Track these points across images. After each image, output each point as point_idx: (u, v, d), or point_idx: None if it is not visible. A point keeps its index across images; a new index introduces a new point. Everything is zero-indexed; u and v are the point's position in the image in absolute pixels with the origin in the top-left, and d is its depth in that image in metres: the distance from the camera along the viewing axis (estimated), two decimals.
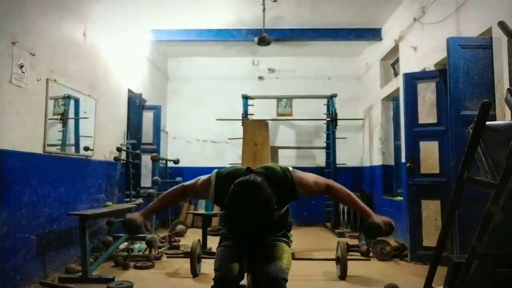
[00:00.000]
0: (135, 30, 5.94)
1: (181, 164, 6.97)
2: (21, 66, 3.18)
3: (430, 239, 4.12)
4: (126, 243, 4.69)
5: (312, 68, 7.88)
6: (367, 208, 1.88)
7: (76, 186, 4.07)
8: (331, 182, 1.92)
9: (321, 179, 1.92)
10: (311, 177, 1.91)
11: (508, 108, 2.18)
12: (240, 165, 4.42)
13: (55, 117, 3.81)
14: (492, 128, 1.73)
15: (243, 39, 6.39)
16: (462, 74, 3.52)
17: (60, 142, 3.92)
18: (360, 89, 7.78)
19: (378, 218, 1.82)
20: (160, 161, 6.12)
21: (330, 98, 7.10)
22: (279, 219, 1.99)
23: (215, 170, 1.94)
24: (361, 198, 6.72)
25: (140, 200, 5.00)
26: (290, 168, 1.90)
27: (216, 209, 5.29)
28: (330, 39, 6.56)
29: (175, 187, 2.02)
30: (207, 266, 3.77)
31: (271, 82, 7.93)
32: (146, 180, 5.89)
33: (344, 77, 7.83)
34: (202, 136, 7.84)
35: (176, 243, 5.07)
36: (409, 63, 5.14)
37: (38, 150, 3.45)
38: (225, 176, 1.86)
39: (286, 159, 7.26)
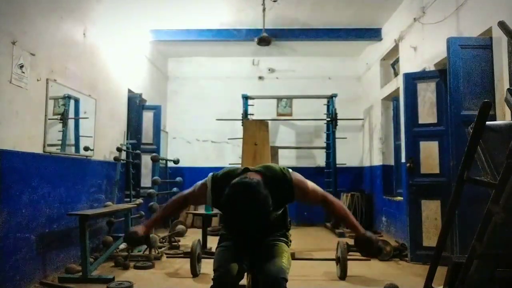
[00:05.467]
0: (135, 30, 5.94)
1: (181, 164, 6.97)
2: (21, 66, 3.18)
3: (430, 239, 4.12)
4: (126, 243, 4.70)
5: (312, 68, 7.88)
6: (359, 225, 1.87)
7: (76, 186, 4.07)
8: (327, 194, 1.92)
9: (319, 189, 1.90)
10: (309, 183, 1.89)
11: (508, 108, 2.17)
12: (239, 165, 4.41)
13: (55, 117, 3.81)
14: (492, 128, 1.73)
15: (243, 39, 6.38)
16: (462, 74, 3.52)
17: (60, 142, 3.92)
18: (360, 89, 7.78)
19: (369, 233, 1.82)
20: (160, 161, 6.12)
21: (330, 98, 7.10)
22: (277, 219, 1.99)
23: (211, 173, 1.91)
24: (361, 198, 6.76)
25: (140, 200, 4.99)
26: (290, 170, 1.89)
27: (216, 209, 5.28)
28: (330, 39, 6.55)
29: (175, 196, 2.02)
30: (207, 266, 3.76)
31: (271, 82, 7.93)
32: (146, 180, 5.88)
33: (344, 77, 7.83)
34: (202, 136, 7.83)
35: (176, 243, 5.08)
36: (409, 63, 5.14)
37: (38, 150, 3.45)
38: (221, 178, 1.84)
39: (286, 159, 7.26)
